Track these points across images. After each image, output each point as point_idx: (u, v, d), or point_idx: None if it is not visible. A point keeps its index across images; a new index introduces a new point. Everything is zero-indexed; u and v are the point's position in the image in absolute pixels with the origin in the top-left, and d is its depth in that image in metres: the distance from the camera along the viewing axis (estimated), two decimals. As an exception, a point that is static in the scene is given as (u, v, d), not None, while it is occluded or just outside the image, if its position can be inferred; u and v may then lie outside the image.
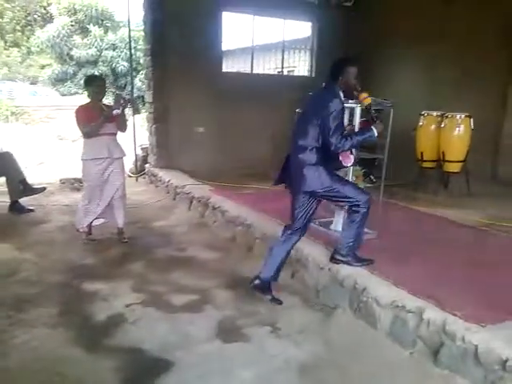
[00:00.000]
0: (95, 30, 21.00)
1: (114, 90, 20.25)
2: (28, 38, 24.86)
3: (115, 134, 4.41)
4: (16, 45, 24.94)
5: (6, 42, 24.40)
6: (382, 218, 4.15)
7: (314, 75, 8.45)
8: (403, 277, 3.04)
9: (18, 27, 26.62)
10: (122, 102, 4.28)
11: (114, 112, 4.20)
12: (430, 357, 2.55)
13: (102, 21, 21.79)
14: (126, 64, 20.57)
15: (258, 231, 4.25)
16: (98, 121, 4.17)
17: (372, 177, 5.12)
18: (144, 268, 3.99)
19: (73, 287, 3.57)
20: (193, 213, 5.62)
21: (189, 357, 2.64)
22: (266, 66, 9.85)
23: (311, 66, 8.62)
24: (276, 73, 9.82)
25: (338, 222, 4.00)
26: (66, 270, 3.88)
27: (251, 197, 5.56)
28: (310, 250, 3.57)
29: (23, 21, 26.94)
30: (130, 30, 7.52)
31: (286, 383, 2.47)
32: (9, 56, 23.65)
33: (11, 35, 24.95)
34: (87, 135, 4.26)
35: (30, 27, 26.65)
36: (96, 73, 19.62)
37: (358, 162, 4.02)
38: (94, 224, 4.61)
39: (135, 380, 2.47)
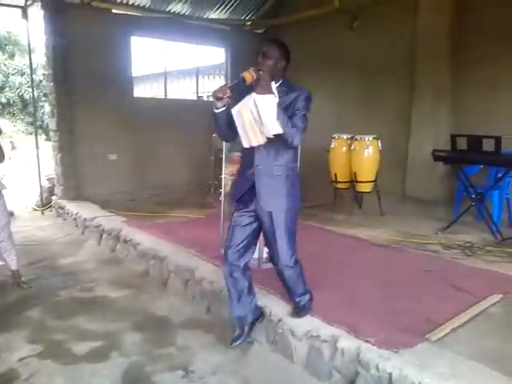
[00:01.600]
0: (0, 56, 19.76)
1: (22, 118, 19.06)
2: None
3: None
4: None
5: None
6: (300, 241, 4.09)
7: (230, 100, 8.45)
8: (317, 304, 2.97)
9: None
10: None
11: None
12: (347, 388, 2.48)
13: (6, 45, 20.54)
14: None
15: (172, 264, 4.01)
16: None
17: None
18: (43, 314, 3.58)
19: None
20: (103, 247, 5.24)
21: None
22: (182, 91, 9.75)
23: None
24: (193, 97, 9.76)
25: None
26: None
27: (166, 226, 5.31)
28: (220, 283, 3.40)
29: None
30: (30, 54, 7.04)
31: None
32: None
33: None
34: None
35: None
36: (3, 99, 18.37)
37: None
38: None
39: None
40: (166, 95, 8.05)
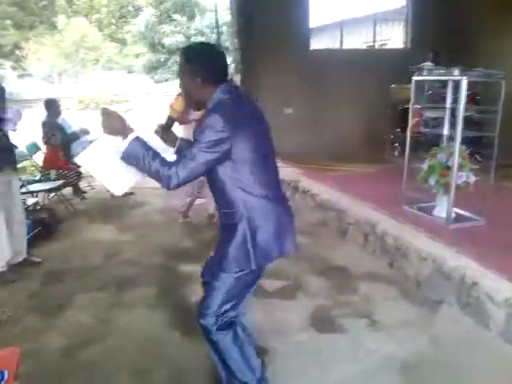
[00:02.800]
0: (180, 18, 21.64)
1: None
2: (123, 30, 26.40)
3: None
4: (111, 37, 26.63)
5: (103, 35, 26.10)
6: (491, 203, 3.73)
7: (409, 47, 7.87)
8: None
9: (113, 20, 28.38)
10: None
11: None
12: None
13: (187, 7, 22.35)
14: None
15: (351, 216, 4.05)
16: None
17: (478, 156, 4.66)
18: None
19: (170, 269, 3.69)
20: (282, 196, 5.54)
21: (284, 346, 2.58)
22: (356, 41, 9.40)
23: (406, 38, 8.03)
24: (366, 47, 9.35)
25: (442, 206, 3.67)
26: (164, 252, 4.02)
27: (343, 179, 5.35)
28: (411, 239, 3.32)
29: (118, 13, 28.65)
30: (216, 13, 7.54)
31: (386, 382, 2.31)
32: (107, 48, 25.31)
33: (107, 28, 26.65)
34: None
35: (123, 19, 28.29)
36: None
37: (463, 140, 3.63)
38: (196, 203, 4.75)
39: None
40: (341, 46, 7.86)
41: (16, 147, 4.02)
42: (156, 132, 2.01)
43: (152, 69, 22.70)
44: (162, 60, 22.30)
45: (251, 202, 1.85)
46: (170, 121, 2.12)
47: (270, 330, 2.75)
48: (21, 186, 4.24)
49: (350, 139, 7.32)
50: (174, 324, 2.85)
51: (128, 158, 1.77)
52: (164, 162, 1.76)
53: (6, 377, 1.61)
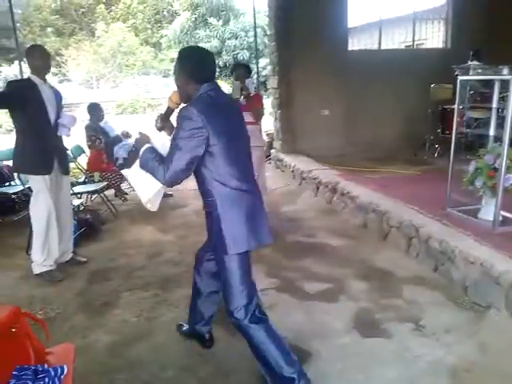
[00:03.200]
0: (215, 22, 21.87)
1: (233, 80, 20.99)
2: (158, 34, 26.95)
3: (254, 124, 4.32)
4: (147, 41, 27.25)
5: (139, 40, 26.71)
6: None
7: (449, 46, 7.69)
8: None
9: (149, 25, 29.04)
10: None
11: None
12: None
13: (222, 11, 22.57)
14: (246, 52, 21.14)
15: (393, 219, 3.99)
16: None
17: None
18: (275, 253, 4.01)
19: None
20: (320, 198, 5.52)
21: (326, 349, 2.57)
22: (393, 41, 9.25)
23: (446, 37, 7.84)
24: (404, 47, 9.19)
25: (488, 209, 3.56)
26: (203, 253, 4.07)
27: (382, 181, 5.27)
28: (457, 242, 3.23)
29: (153, 19, 29.29)
30: (255, 16, 7.61)
31: (433, 387, 2.26)
32: (142, 52, 25.88)
33: (143, 33, 27.27)
34: None
35: (159, 24, 28.89)
36: (220, 63, 20.45)
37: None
38: None
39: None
40: (379, 46, 7.75)
41: (67, 150, 4.18)
42: (156, 120, 2.31)
43: (187, 73, 23.03)
44: (197, 64, 22.61)
45: (226, 193, 2.05)
46: (170, 111, 2.32)
47: (312, 332, 2.74)
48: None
49: (388, 141, 7.23)
50: (219, 323, 2.88)
51: (143, 166, 2.09)
52: (160, 159, 2.02)
53: (65, 371, 1.67)
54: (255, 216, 2.12)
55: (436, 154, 6.68)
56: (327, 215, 4.97)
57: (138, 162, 2.15)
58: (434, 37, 8.29)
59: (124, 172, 2.33)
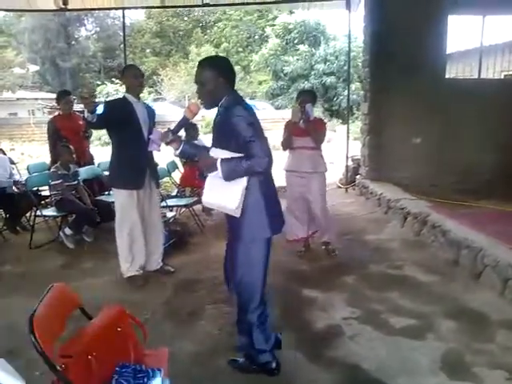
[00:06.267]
0: (304, 48, 22.25)
1: (322, 103, 21.07)
2: (249, 58, 28.00)
3: (315, 149, 4.35)
4: (237, 64, 28.50)
5: (230, 63, 28.01)
6: None
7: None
8: None
9: (240, 49, 30.29)
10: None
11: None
12: None
13: (314, 36, 22.89)
14: (333, 77, 21.24)
15: (489, 257, 3.74)
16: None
17: None
18: (357, 282, 3.93)
19: (291, 291, 3.75)
20: (407, 229, 5.32)
21: (412, 387, 2.46)
22: (494, 69, 8.78)
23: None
24: (503, 76, 8.70)
25: None
26: (283, 273, 4.07)
27: (477, 216, 4.96)
28: None
29: (245, 42, 30.54)
30: (349, 39, 7.66)
31: None
32: (232, 74, 26.98)
33: (235, 56, 28.53)
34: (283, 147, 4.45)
35: (249, 47, 30.03)
36: (306, 87, 20.69)
37: None
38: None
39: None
40: (479, 75, 7.41)
41: (158, 165, 4.44)
42: (165, 135, 2.47)
43: (274, 95, 23.56)
44: (284, 87, 23.04)
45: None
46: (185, 121, 2.48)
47: (397, 368, 2.65)
48: (161, 201, 4.66)
49: (482, 173, 6.82)
50: (298, 346, 2.88)
51: (228, 176, 2.26)
52: (244, 159, 2.24)
53: (161, 375, 1.78)
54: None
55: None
56: (415, 247, 4.77)
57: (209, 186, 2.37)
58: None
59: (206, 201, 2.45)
